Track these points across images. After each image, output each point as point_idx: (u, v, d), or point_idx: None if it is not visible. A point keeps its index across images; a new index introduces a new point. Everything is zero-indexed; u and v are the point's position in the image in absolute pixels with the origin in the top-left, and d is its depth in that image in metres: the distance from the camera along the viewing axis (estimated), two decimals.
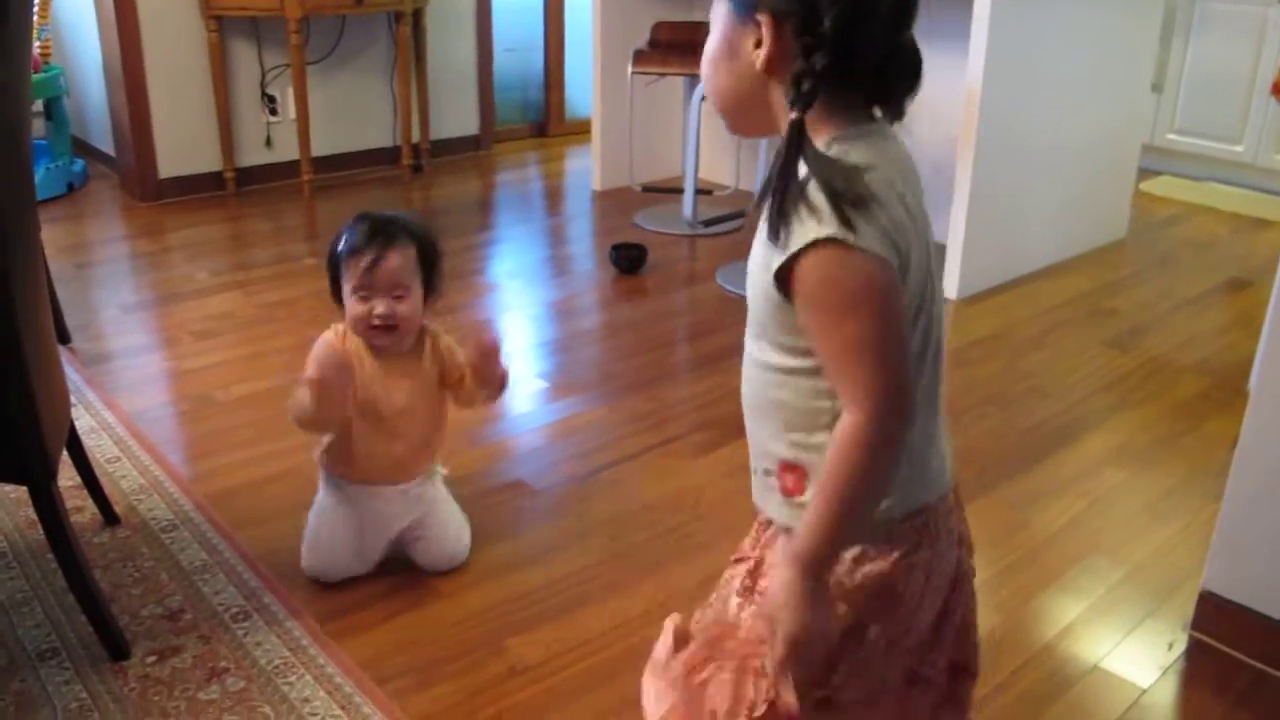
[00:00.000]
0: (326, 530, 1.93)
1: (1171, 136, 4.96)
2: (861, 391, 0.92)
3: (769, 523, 1.11)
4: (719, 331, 3.22)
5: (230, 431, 2.52)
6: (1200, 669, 1.82)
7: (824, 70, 0.90)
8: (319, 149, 4.48)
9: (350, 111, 4.77)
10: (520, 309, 3.43)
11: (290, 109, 4.52)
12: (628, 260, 3.66)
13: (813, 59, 0.90)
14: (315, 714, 1.61)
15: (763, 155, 3.79)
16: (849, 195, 0.89)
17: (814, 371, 0.97)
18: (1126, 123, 4.06)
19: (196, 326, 3.13)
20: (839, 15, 0.89)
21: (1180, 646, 1.86)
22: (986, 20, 3.23)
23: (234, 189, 4.46)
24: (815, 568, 0.96)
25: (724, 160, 4.59)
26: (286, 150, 4.57)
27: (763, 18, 0.93)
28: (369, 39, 4.75)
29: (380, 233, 1.81)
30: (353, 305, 1.83)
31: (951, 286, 3.50)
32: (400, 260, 1.81)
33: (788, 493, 1.04)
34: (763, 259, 0.96)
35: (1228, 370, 2.94)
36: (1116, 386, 2.88)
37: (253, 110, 4.50)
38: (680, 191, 4.15)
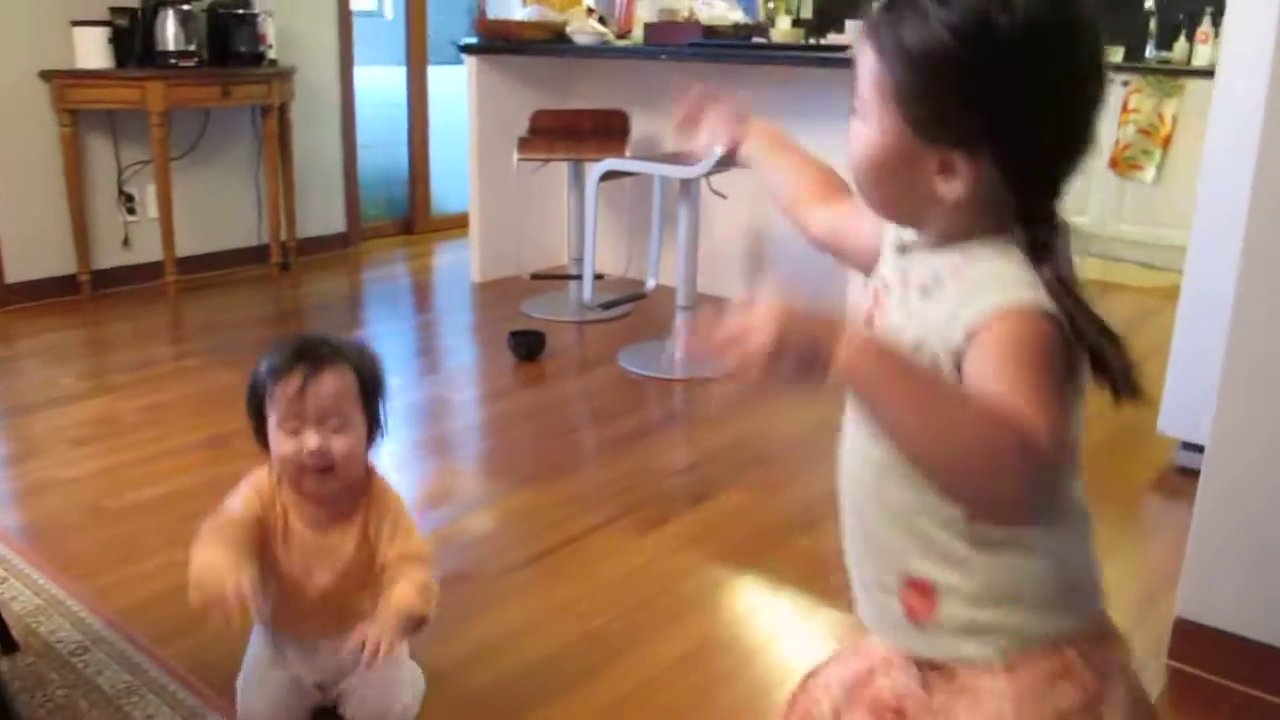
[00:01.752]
0: (255, 678, 1.63)
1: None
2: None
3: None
4: (629, 413, 3.14)
5: (131, 541, 2.28)
6: (1184, 697, 1.82)
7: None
8: (182, 249, 4.25)
9: (214, 209, 4.56)
10: (423, 400, 3.28)
11: (150, 207, 4.29)
12: (526, 347, 3.57)
13: (1043, 217, 0.86)
14: None
15: (654, 242, 3.78)
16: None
17: None
18: None
19: (72, 434, 2.86)
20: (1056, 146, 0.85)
21: (1158, 677, 1.86)
22: None
23: (89, 292, 4.17)
24: (842, 373, 0.79)
25: (610, 245, 4.57)
26: (147, 251, 4.31)
27: (960, 155, 0.83)
28: (232, 134, 4.57)
29: (310, 353, 1.50)
30: (280, 442, 1.50)
31: None
32: (336, 384, 1.49)
33: (912, 615, 0.92)
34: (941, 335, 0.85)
35: (1128, 416, 3.03)
36: None
37: (109, 209, 4.25)
38: (571, 278, 4.09)
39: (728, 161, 3.20)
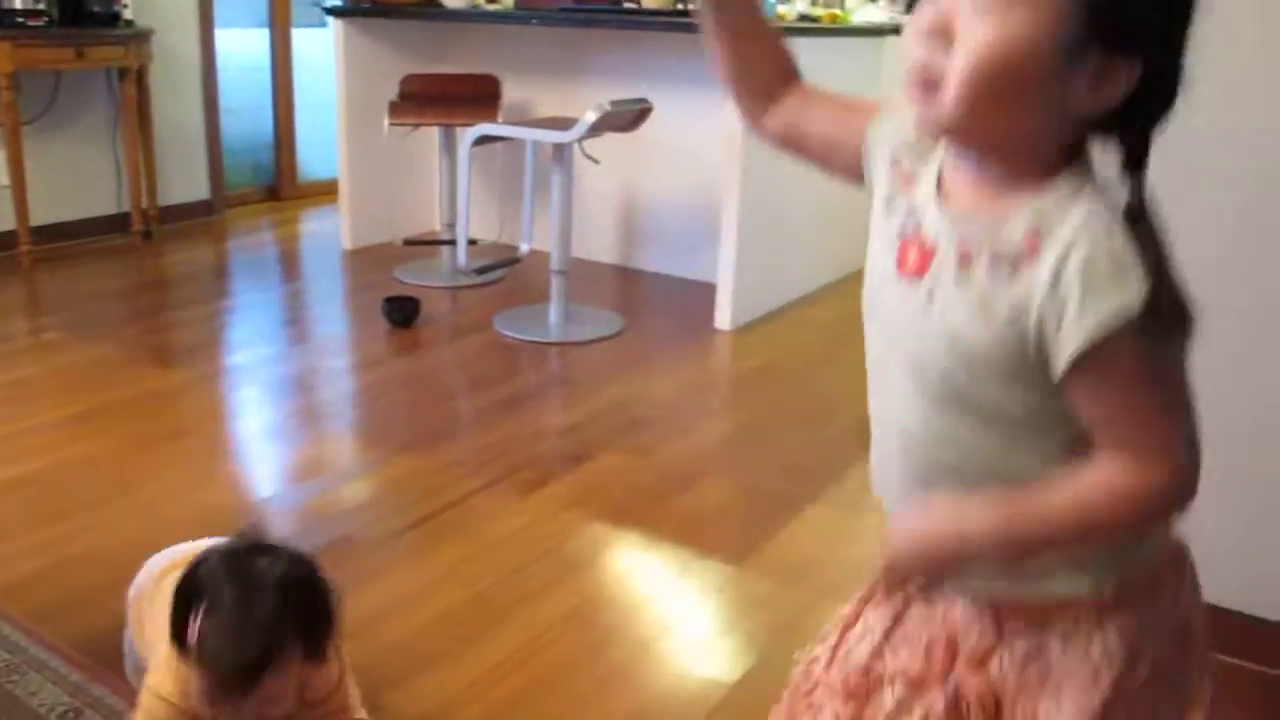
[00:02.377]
0: None
1: None
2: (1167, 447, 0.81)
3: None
4: (506, 378, 3.18)
5: (0, 520, 2.23)
6: None
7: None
8: (36, 218, 4.08)
9: (69, 176, 4.39)
10: (295, 370, 3.26)
11: (2, 174, 4.11)
12: (401, 313, 3.56)
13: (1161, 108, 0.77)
14: None
15: (527, 207, 3.81)
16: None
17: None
18: None
19: None
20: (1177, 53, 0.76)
21: None
22: None
23: None
24: (968, 553, 0.85)
25: (482, 211, 4.56)
26: None
27: (1123, 59, 0.74)
28: (87, 99, 4.40)
29: (246, 660, 1.26)
30: (202, 702, 1.32)
31: (726, 318, 3.63)
32: (276, 684, 1.30)
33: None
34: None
35: None
36: None
37: None
38: (445, 244, 4.09)
39: (599, 127, 3.25)
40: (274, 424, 2.85)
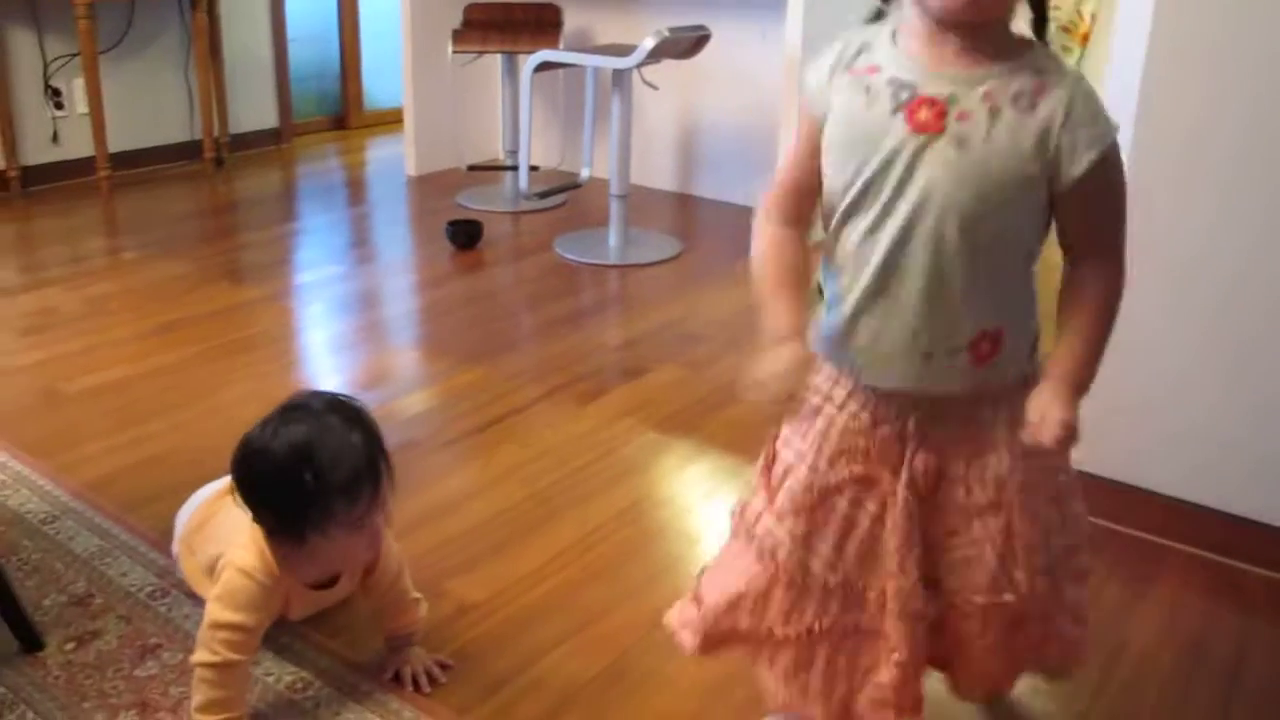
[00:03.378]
0: None
1: None
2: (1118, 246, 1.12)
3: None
4: (566, 297, 3.26)
5: (88, 422, 2.37)
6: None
7: None
8: (113, 144, 4.22)
9: (144, 105, 4.53)
10: (368, 287, 3.37)
11: (78, 103, 4.25)
12: (465, 235, 3.65)
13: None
14: (269, 674, 1.56)
15: (587, 133, 3.85)
16: None
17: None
18: None
19: (19, 324, 2.91)
20: None
21: None
22: None
23: (19, 189, 4.15)
24: (1082, 393, 1.10)
25: (543, 137, 4.62)
26: (76, 146, 4.28)
27: None
28: (159, 28, 4.52)
29: (305, 487, 1.33)
30: (302, 566, 1.44)
31: None
32: (350, 506, 1.37)
33: (980, 360, 1.13)
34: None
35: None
36: None
37: (36, 104, 4.20)
38: (507, 169, 4.16)
39: (658, 53, 3.28)
40: (342, 337, 2.96)
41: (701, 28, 3.47)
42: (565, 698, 1.54)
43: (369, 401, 1.56)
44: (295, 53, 5.17)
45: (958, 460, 1.17)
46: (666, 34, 3.28)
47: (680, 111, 4.36)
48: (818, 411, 1.20)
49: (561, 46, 3.93)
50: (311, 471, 1.34)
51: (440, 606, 1.70)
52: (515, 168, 4.04)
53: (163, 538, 1.89)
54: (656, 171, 4.46)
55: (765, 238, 1.22)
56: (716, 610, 1.29)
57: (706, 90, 4.22)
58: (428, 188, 4.47)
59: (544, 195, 3.93)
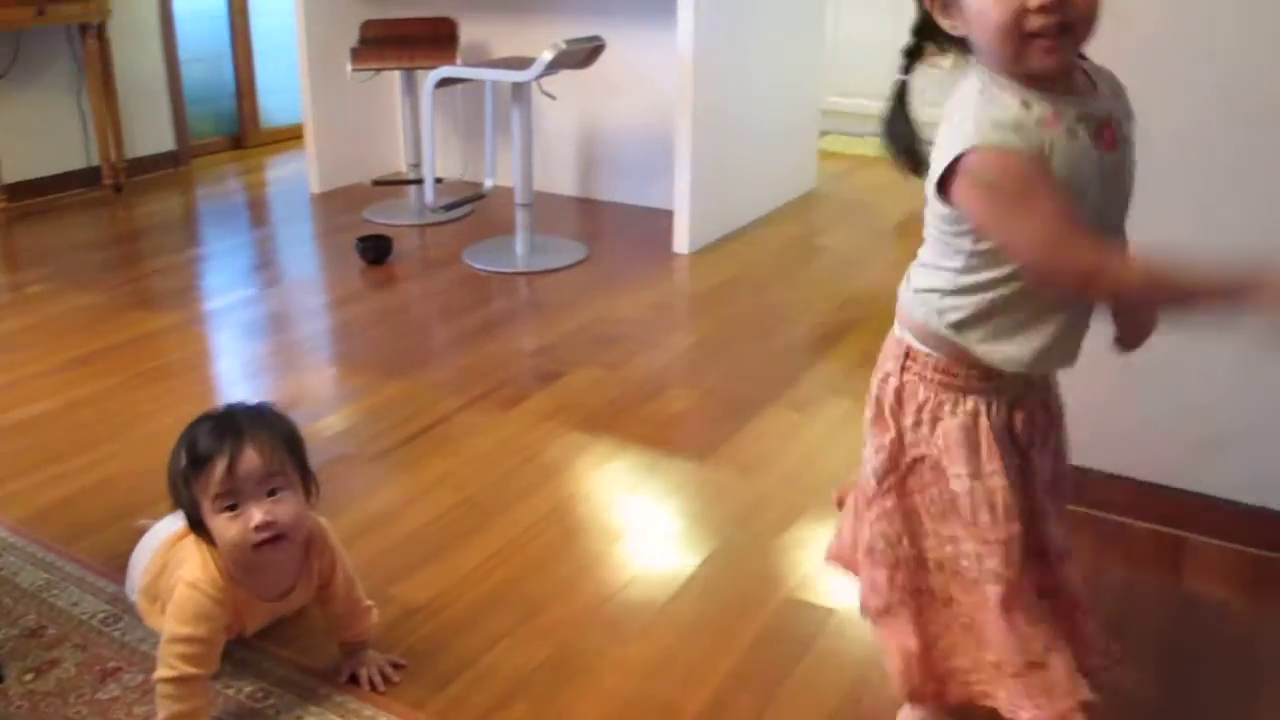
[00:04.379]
0: None
1: (833, 99, 5.54)
2: None
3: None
4: (479, 306, 3.36)
5: (14, 459, 2.39)
6: None
7: None
8: (9, 175, 4.19)
9: (37, 133, 4.49)
10: (282, 307, 3.42)
11: None
12: (375, 251, 3.72)
13: None
14: (229, 687, 1.64)
15: (489, 144, 3.95)
16: None
17: None
18: (807, 87, 4.54)
19: None
20: None
21: None
22: (692, 1, 3.55)
23: None
24: None
25: (445, 149, 4.70)
26: None
27: None
28: (48, 55, 4.48)
29: (228, 428, 1.49)
30: (223, 526, 1.48)
31: (684, 243, 3.81)
32: (263, 450, 1.48)
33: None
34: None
35: None
36: (845, 307, 3.28)
37: None
38: (413, 183, 4.23)
39: (556, 65, 3.39)
40: (261, 359, 3.02)
41: (596, 38, 3.59)
42: (513, 686, 1.66)
43: (300, 420, 1.65)
44: (189, 74, 5.16)
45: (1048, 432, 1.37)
46: (564, 46, 3.40)
47: (579, 119, 4.48)
48: (971, 430, 1.30)
49: (459, 61, 4.02)
50: (229, 415, 1.53)
51: (387, 610, 1.80)
52: (420, 181, 4.12)
53: (109, 566, 1.95)
54: (558, 178, 4.58)
55: (1101, 264, 1.18)
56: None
57: (603, 98, 4.35)
58: (332, 204, 4.52)
59: (450, 208, 4.02)
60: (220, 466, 1.46)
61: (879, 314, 3.20)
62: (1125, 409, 1.79)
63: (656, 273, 3.67)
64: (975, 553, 1.30)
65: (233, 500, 1.48)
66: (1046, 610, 1.33)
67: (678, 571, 1.97)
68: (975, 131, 1.16)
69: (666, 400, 2.68)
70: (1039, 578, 1.35)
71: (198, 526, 1.52)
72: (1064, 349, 1.29)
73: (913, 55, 1.30)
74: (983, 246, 1.22)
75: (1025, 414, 1.32)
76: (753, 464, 2.35)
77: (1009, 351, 1.27)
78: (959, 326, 1.28)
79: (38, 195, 4.47)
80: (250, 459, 1.47)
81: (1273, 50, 1.80)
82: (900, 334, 1.36)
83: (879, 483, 1.35)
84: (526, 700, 1.63)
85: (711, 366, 2.88)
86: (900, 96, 1.33)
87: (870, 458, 1.37)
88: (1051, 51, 1.12)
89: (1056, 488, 1.39)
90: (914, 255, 1.35)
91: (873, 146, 5.35)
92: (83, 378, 2.82)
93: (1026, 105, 1.16)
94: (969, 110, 1.18)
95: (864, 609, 1.42)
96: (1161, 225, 1.38)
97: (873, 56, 5.42)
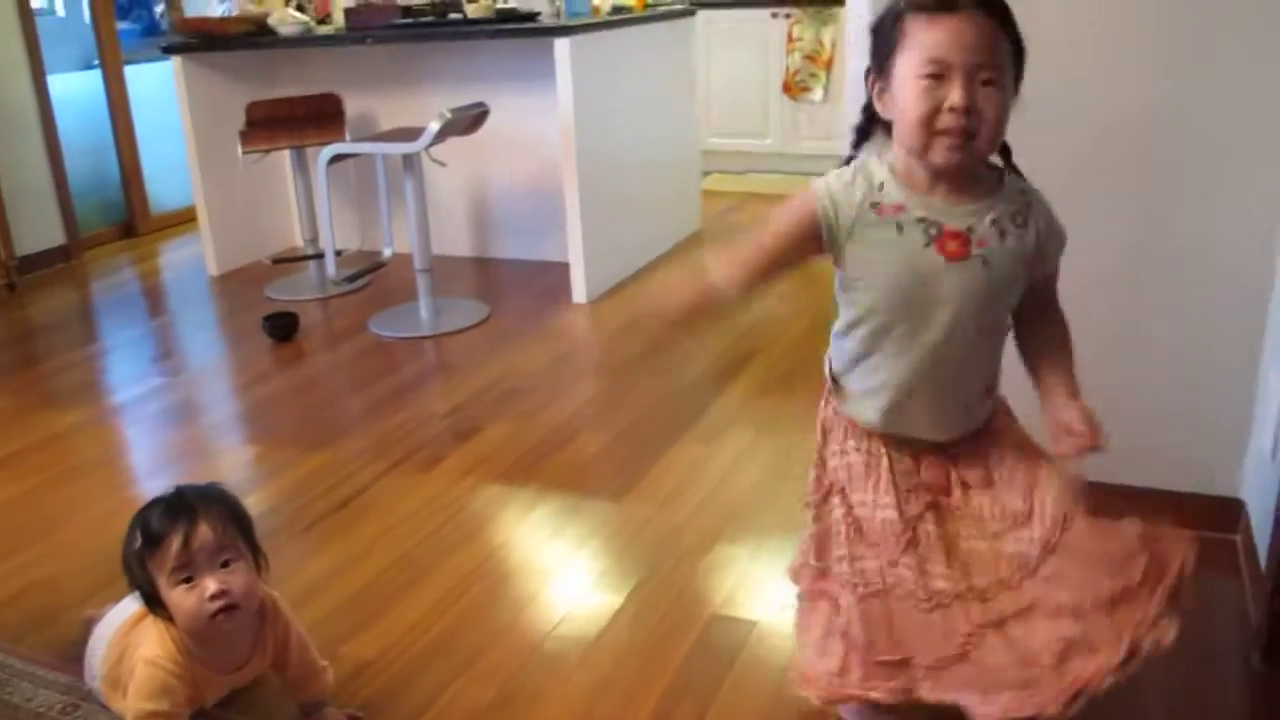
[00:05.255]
0: None
1: (713, 140, 5.80)
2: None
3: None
4: (390, 372, 3.48)
5: None
6: None
7: None
8: None
9: None
10: (194, 393, 3.48)
11: None
12: (282, 329, 3.80)
13: None
14: None
15: (384, 213, 4.07)
16: None
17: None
18: (686, 133, 4.77)
19: None
20: None
21: None
22: (568, 61, 3.74)
23: None
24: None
25: (341, 222, 4.80)
26: None
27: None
28: None
29: (181, 507, 1.60)
30: (180, 598, 1.57)
31: (581, 292, 3.98)
32: (215, 525, 1.59)
33: (981, 407, 1.51)
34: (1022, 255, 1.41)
35: (824, 304, 3.63)
36: (740, 340, 3.48)
37: None
38: (312, 258, 4.32)
39: (444, 134, 3.54)
40: (179, 446, 3.07)
41: (480, 104, 3.75)
42: None
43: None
44: (72, 166, 5.16)
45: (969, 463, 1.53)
46: (449, 115, 3.55)
47: (469, 182, 4.63)
48: (873, 466, 1.49)
49: (347, 135, 4.14)
50: (179, 495, 1.63)
51: (340, 668, 1.90)
52: (320, 255, 4.22)
53: (59, 659, 2.01)
54: (454, 240, 4.72)
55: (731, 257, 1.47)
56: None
57: (491, 160, 4.51)
58: (232, 285, 4.58)
59: (353, 279, 4.12)
60: (176, 542, 1.56)
61: (771, 344, 3.41)
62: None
63: (558, 324, 3.82)
64: (878, 569, 1.47)
65: (188, 573, 1.57)
66: (918, 640, 1.45)
67: (608, 604, 2.11)
68: (829, 178, 1.42)
69: (579, 446, 2.83)
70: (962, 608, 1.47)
71: (153, 603, 1.62)
72: (921, 419, 1.47)
73: (862, 134, 1.47)
74: (847, 310, 1.45)
75: (932, 464, 1.49)
76: (668, 495, 2.51)
77: (860, 410, 1.48)
78: (836, 374, 1.50)
79: None
80: (204, 533, 1.57)
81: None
82: (827, 375, 1.55)
83: (810, 498, 1.55)
84: None
85: (619, 409, 3.04)
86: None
87: (809, 475, 1.58)
88: (953, 150, 1.31)
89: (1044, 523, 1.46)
90: (800, 286, 1.57)
91: (754, 182, 5.62)
92: (2, 480, 2.85)
93: (880, 187, 1.38)
94: (849, 167, 1.43)
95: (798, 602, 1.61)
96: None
97: (745, 98, 5.74)
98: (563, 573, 2.25)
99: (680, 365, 3.32)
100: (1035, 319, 1.50)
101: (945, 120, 1.30)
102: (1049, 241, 1.42)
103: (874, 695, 1.43)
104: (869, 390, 1.47)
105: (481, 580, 2.23)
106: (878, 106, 1.40)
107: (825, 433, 1.54)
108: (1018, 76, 1.34)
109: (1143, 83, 2.02)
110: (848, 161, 1.47)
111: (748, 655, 1.91)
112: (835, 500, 1.52)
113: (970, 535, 1.48)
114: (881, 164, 1.40)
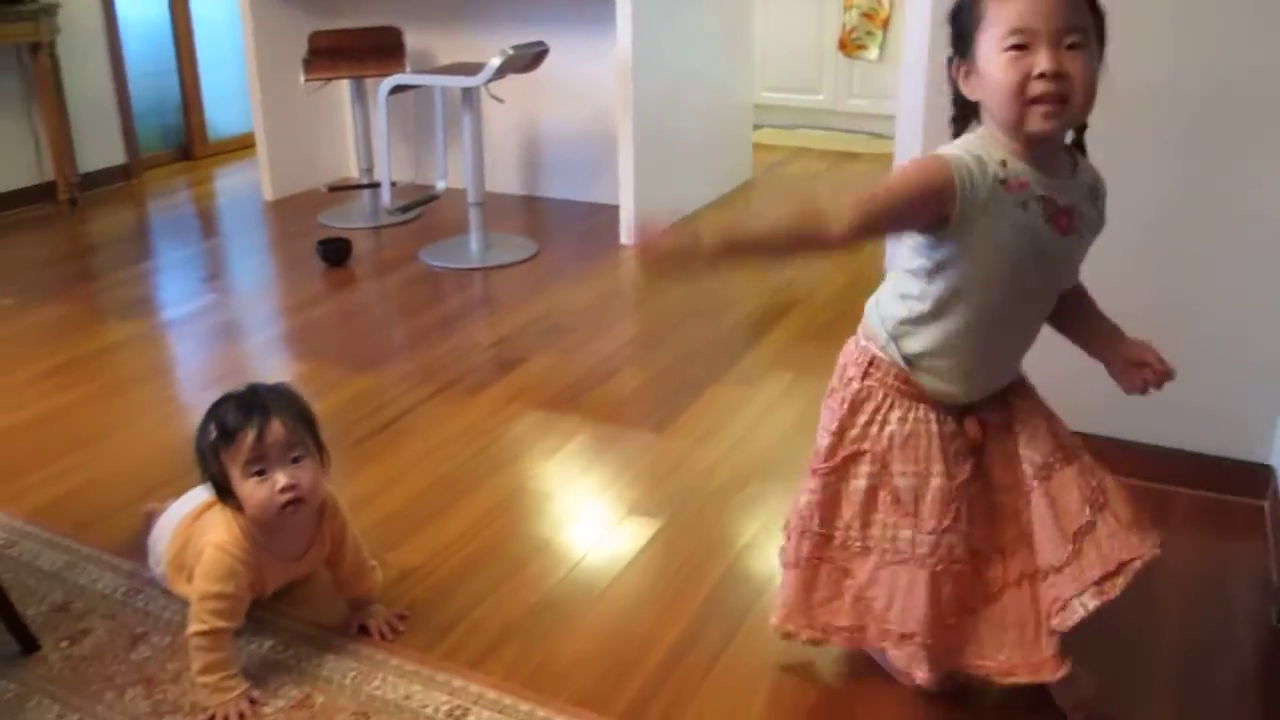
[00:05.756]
0: None
1: (765, 94, 5.79)
2: None
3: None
4: (439, 302, 3.56)
5: (10, 461, 2.50)
6: None
7: None
8: None
9: None
10: (248, 311, 3.59)
11: None
12: (336, 253, 3.89)
13: None
14: (251, 643, 1.83)
15: (440, 147, 4.12)
16: None
17: None
18: (740, 82, 4.78)
19: None
20: None
21: None
22: (629, 6, 3.77)
23: None
24: None
25: (397, 153, 4.86)
26: None
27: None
28: None
29: (255, 404, 1.68)
30: (251, 490, 1.66)
31: (628, 235, 4.03)
32: (285, 422, 1.67)
33: (1019, 365, 1.60)
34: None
35: (861, 263, 3.66)
36: (782, 291, 3.52)
37: None
38: (368, 186, 4.40)
39: (504, 70, 3.59)
40: (233, 360, 3.18)
41: (540, 43, 3.79)
42: (505, 631, 1.87)
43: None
44: (136, 89, 5.26)
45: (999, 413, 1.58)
46: (511, 52, 3.59)
47: (524, 121, 4.68)
48: (919, 434, 1.53)
49: (408, 68, 4.20)
50: (253, 392, 1.72)
51: (385, 574, 1.98)
52: (375, 185, 4.29)
53: (123, 548, 2.13)
54: (505, 178, 4.77)
55: (840, 240, 1.38)
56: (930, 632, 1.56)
57: (547, 100, 4.56)
58: (286, 211, 4.67)
59: (406, 209, 4.20)
60: (250, 436, 1.64)
61: (813, 295, 3.46)
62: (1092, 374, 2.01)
63: (604, 265, 3.88)
64: (910, 539, 1.54)
65: (260, 466, 1.66)
66: (967, 595, 1.56)
67: (644, 528, 2.19)
68: (954, 146, 1.41)
69: (620, 381, 2.90)
70: (988, 569, 1.57)
71: (224, 494, 1.71)
72: (990, 381, 1.55)
73: (959, 124, 1.49)
74: (936, 286, 1.45)
75: (977, 419, 1.55)
76: (705, 432, 2.58)
77: (936, 381, 1.51)
78: (911, 356, 1.51)
79: None
80: (276, 430, 1.66)
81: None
82: (865, 344, 1.57)
83: (819, 463, 1.59)
84: (517, 642, 1.84)
85: (661, 349, 3.10)
86: None
87: (820, 436, 1.61)
88: (1049, 117, 1.32)
89: (1053, 467, 1.54)
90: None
91: (805, 138, 5.62)
92: (65, 384, 2.96)
93: (1004, 164, 1.38)
94: (972, 138, 1.42)
95: (780, 553, 1.69)
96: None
97: (800, 53, 5.73)
98: (600, 497, 2.33)
99: (722, 310, 3.38)
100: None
101: (1036, 88, 1.31)
102: (1103, 215, 1.48)
103: (885, 646, 1.61)
104: (951, 361, 1.49)
105: (522, 500, 2.31)
106: (965, 90, 1.42)
107: (856, 404, 1.55)
108: (1100, 41, 1.36)
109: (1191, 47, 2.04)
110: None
111: (776, 588, 1.97)
112: (861, 469, 1.56)
113: (1000, 488, 1.56)
114: (993, 140, 1.40)
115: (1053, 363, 1.62)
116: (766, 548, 2.08)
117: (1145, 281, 2.14)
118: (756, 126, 5.75)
